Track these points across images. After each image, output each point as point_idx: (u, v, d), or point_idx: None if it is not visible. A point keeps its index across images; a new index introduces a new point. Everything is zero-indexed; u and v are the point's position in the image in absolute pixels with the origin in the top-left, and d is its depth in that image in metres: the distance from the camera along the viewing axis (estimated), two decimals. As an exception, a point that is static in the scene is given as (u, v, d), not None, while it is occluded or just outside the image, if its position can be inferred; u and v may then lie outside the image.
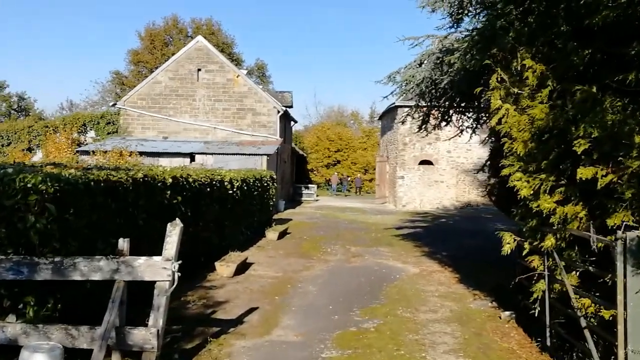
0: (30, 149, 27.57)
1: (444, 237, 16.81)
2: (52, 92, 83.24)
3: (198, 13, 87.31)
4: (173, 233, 4.84)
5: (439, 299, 8.73)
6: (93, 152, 18.33)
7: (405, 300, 8.59)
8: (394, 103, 28.81)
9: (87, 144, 25.15)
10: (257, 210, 15.36)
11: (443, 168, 28.56)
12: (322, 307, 7.99)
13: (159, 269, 4.71)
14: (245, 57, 72.80)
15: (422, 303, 8.42)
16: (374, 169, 40.34)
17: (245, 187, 13.51)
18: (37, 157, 26.43)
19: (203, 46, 25.05)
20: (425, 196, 28.54)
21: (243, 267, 10.36)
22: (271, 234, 15.20)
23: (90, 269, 4.73)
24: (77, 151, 22.44)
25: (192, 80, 24.90)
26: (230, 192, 11.94)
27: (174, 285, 4.79)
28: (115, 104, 25.18)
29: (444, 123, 11.37)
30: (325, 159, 43.72)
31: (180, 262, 4.76)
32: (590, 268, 5.15)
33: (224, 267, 9.70)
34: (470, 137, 11.20)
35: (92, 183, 5.74)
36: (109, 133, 26.46)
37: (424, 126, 11.49)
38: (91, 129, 26.92)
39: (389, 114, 31.50)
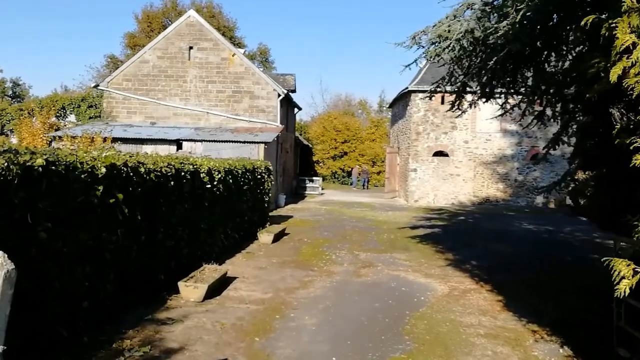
0: (3, 134, 25.01)
1: (467, 240, 14.33)
2: (49, 78, 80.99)
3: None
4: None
5: (486, 340, 6.19)
6: (60, 137, 15.76)
7: (439, 343, 6.06)
8: (407, 88, 26.17)
9: (67, 129, 22.64)
10: (248, 207, 12.83)
11: (459, 160, 25.93)
12: (320, 357, 5.47)
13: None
14: (248, 42, 70.23)
15: (464, 349, 5.88)
16: (382, 161, 37.72)
17: (231, 180, 10.97)
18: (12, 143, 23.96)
19: (195, 21, 22.40)
20: (439, 190, 25.96)
21: (220, 286, 7.85)
22: (265, 236, 12.69)
23: None
24: (54, 137, 19.93)
25: (183, 60, 22.29)
26: (209, 185, 9.41)
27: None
28: (98, 85, 22.58)
29: (483, 99, 8.73)
30: (332, 150, 41.07)
31: (4, 347, 2.24)
32: None
33: (191, 289, 7.17)
34: (524, 114, 8.38)
35: None
36: (90, 117, 23.86)
37: (457, 102, 8.86)
38: (71, 113, 24.31)
39: (401, 100, 28.82)
